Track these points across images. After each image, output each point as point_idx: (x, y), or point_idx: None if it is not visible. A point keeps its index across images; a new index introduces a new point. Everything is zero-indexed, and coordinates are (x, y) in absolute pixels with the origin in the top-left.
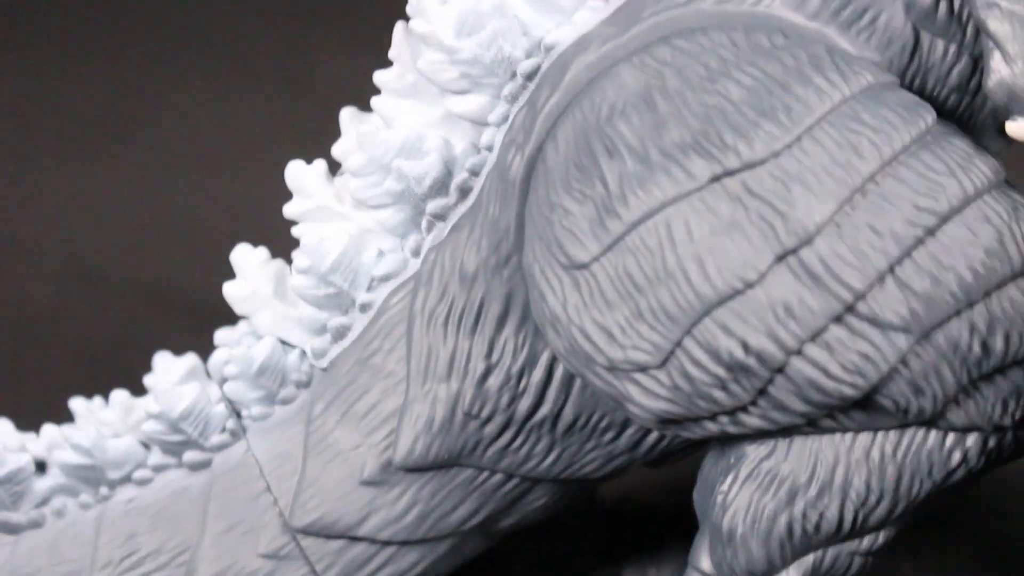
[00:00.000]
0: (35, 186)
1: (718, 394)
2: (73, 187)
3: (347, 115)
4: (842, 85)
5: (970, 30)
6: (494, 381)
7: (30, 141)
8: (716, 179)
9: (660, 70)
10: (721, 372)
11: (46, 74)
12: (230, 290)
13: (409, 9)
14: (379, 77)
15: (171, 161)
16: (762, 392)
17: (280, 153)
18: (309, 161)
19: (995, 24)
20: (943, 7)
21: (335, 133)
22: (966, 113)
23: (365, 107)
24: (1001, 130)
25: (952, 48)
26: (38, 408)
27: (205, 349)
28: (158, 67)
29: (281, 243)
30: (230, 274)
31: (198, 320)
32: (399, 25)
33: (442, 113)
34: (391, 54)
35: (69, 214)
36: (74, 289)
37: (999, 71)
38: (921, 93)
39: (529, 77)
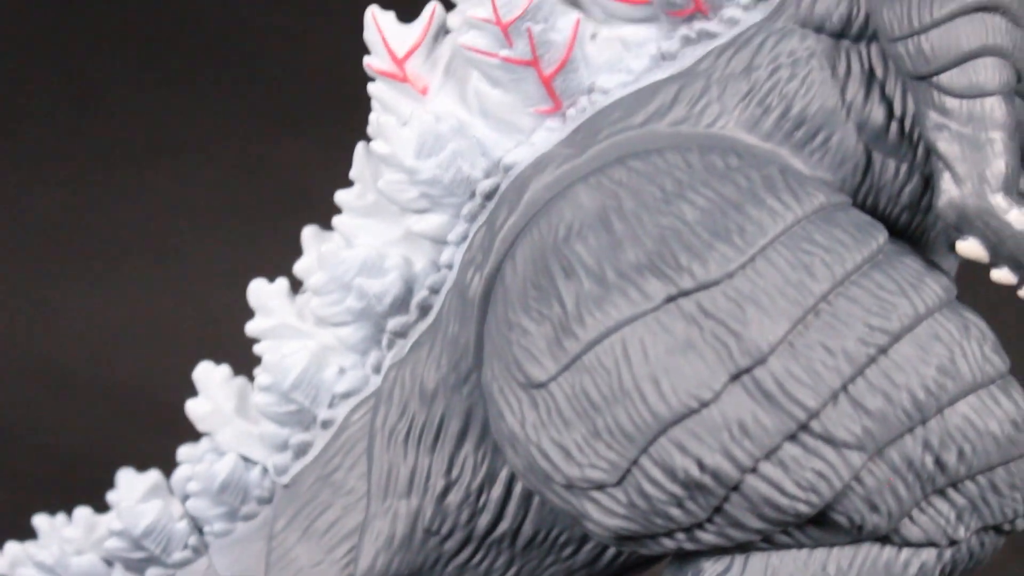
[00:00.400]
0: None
1: (674, 511)
2: (37, 291)
3: (309, 233)
4: (795, 206)
5: (921, 150)
6: (454, 497)
7: None
8: (671, 299)
9: (616, 191)
10: (677, 490)
11: (2, 180)
12: (192, 408)
13: (370, 130)
14: (340, 196)
15: (136, 262)
16: (718, 509)
17: (246, 252)
18: (273, 274)
19: (945, 145)
20: (894, 128)
21: (299, 229)
22: (918, 230)
23: (330, 202)
24: (953, 247)
25: (903, 167)
26: (2, 521)
27: (172, 456)
28: (121, 168)
29: (247, 344)
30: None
31: (165, 425)
32: (360, 146)
33: (402, 232)
34: (352, 174)
35: (32, 318)
36: (39, 395)
37: (949, 191)
38: (874, 211)
39: (488, 196)
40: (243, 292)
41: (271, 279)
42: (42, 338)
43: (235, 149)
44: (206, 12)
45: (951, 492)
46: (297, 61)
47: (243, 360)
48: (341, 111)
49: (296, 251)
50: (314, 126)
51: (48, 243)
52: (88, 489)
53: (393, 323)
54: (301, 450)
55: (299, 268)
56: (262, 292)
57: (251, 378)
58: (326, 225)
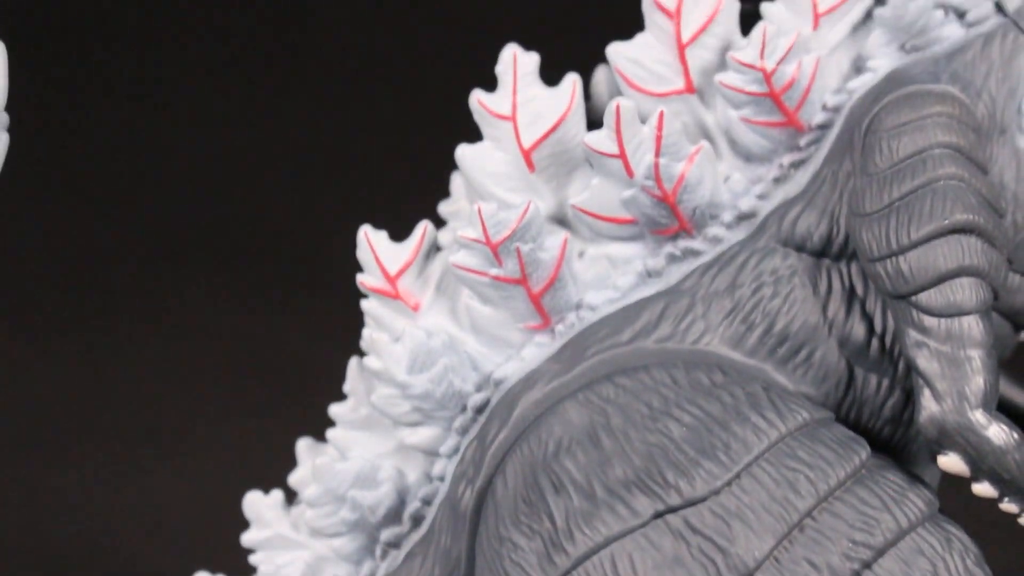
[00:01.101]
0: None
1: None
2: (33, 472)
3: (303, 446)
4: (778, 423)
5: (902, 365)
6: None
7: None
8: (659, 516)
9: (604, 408)
10: None
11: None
12: None
13: (363, 345)
14: (334, 410)
15: (135, 449)
16: None
17: (245, 442)
18: (273, 455)
19: (924, 363)
20: (875, 344)
21: (298, 418)
22: (900, 443)
23: (331, 391)
24: (935, 459)
25: (885, 382)
26: None
27: None
28: (120, 351)
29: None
30: (195, 565)
31: None
32: (352, 361)
33: (395, 444)
34: (345, 388)
35: (32, 503)
36: None
37: (929, 408)
38: (856, 424)
39: (479, 411)
40: (242, 475)
41: (271, 483)
42: (38, 520)
43: (233, 330)
44: (201, 189)
45: None
46: (297, 237)
47: (241, 561)
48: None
49: (293, 437)
50: (310, 302)
51: (46, 424)
52: None
53: (387, 534)
54: None
55: (294, 480)
56: (257, 504)
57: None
58: (323, 394)
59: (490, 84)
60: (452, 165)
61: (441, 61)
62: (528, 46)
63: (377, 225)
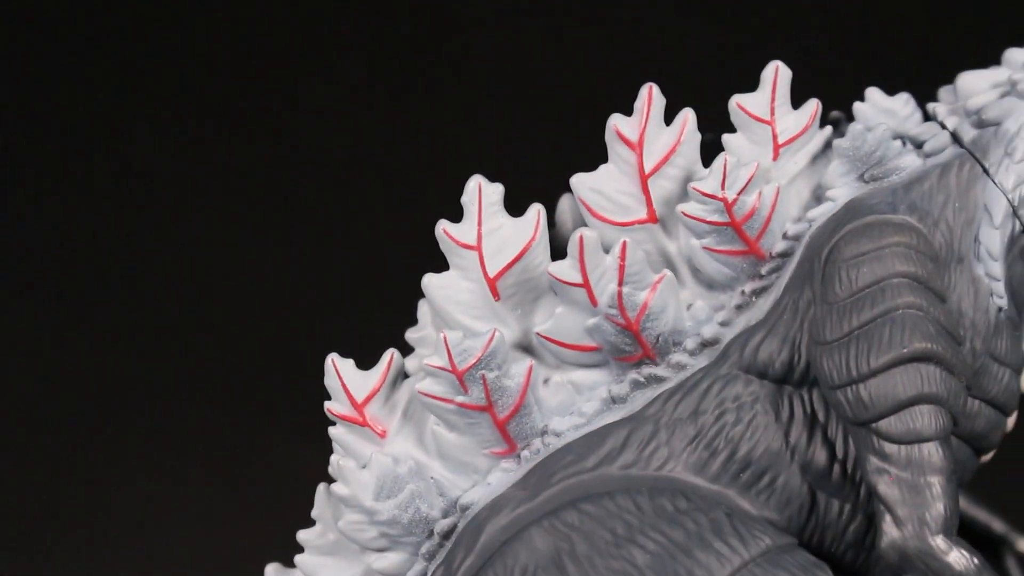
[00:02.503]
0: None
1: None
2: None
3: (271, 571)
4: (741, 550)
5: (863, 490)
6: None
7: None
8: None
9: (569, 534)
10: None
11: None
12: None
13: (331, 470)
14: (302, 535)
15: (113, 554)
16: None
17: (218, 546)
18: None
19: (885, 488)
20: (837, 469)
21: (276, 519)
22: (863, 567)
23: (305, 493)
24: None
25: (847, 507)
26: None
27: None
28: (99, 457)
29: None
30: None
31: None
32: (320, 487)
33: (363, 569)
34: (313, 514)
35: None
36: None
37: (890, 533)
38: (819, 549)
39: (445, 536)
40: None
41: None
42: None
43: (216, 441)
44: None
45: None
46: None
47: None
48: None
49: (273, 545)
50: (292, 415)
51: (35, 535)
52: None
53: None
54: None
55: None
56: None
57: None
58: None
59: (458, 214)
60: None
61: (411, 193)
62: (493, 177)
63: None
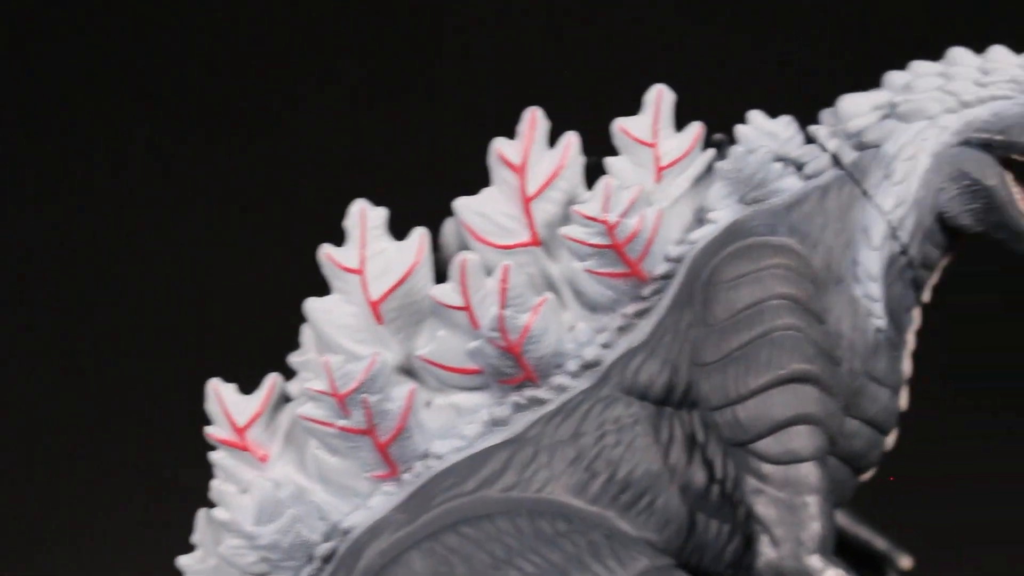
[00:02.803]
0: None
1: None
2: None
3: None
4: (619, 571)
5: (741, 511)
6: None
7: None
8: None
9: (448, 557)
10: None
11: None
12: None
13: (211, 495)
14: (183, 561)
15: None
16: None
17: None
18: None
19: (762, 508)
20: (715, 490)
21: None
22: None
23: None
24: None
25: (726, 527)
26: None
27: None
28: (99, 459)
29: None
30: None
31: None
32: (200, 512)
33: None
34: (193, 539)
35: None
36: None
37: (767, 553)
38: (698, 570)
39: (326, 560)
40: None
41: None
42: None
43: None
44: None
45: None
46: None
47: None
48: None
49: None
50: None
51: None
52: None
53: None
54: None
55: None
56: None
57: None
58: None
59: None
60: None
61: (301, 213)
62: (377, 200)
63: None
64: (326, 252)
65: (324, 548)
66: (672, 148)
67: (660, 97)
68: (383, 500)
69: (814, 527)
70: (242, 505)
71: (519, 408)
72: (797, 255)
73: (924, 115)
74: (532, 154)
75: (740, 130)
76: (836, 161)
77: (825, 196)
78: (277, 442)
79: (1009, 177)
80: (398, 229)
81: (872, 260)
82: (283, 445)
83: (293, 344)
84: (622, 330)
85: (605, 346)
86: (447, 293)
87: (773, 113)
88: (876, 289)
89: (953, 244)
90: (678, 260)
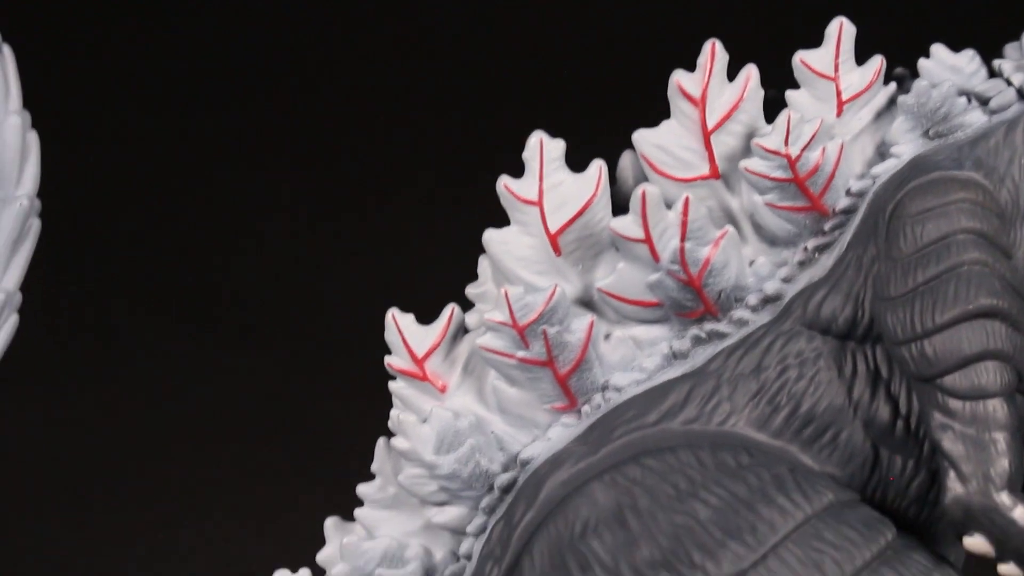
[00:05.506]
0: (25, 542)
1: None
2: (48, 542)
3: (331, 524)
4: (804, 505)
5: (927, 446)
6: None
7: (21, 492)
8: None
9: (631, 489)
10: None
11: (26, 416)
12: None
13: (391, 425)
14: (362, 489)
15: (161, 522)
16: None
17: (275, 501)
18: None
19: (949, 444)
20: (900, 425)
21: (330, 479)
22: (926, 523)
23: (360, 446)
24: (960, 540)
25: (910, 463)
26: None
27: None
28: (151, 413)
29: None
30: None
31: None
32: (380, 441)
33: (422, 523)
34: (373, 468)
35: (63, 566)
36: None
37: (954, 490)
38: (882, 505)
39: (506, 490)
40: (269, 551)
41: (299, 557)
42: None
43: (262, 398)
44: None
45: None
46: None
47: None
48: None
49: (321, 513)
50: (342, 371)
51: (55, 489)
52: None
53: None
54: None
55: (322, 558)
56: None
57: None
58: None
59: (517, 171)
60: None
61: (470, 142)
62: (554, 132)
63: (406, 296)
64: (504, 183)
65: (503, 479)
66: (853, 81)
67: (841, 30)
68: (562, 432)
69: (1003, 464)
70: (422, 435)
71: (699, 341)
72: (983, 189)
73: None
74: (712, 86)
75: (922, 64)
76: (1022, 95)
77: (1011, 131)
78: (456, 373)
79: None
80: (575, 162)
81: None
82: (462, 376)
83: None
84: (803, 264)
85: (786, 280)
86: (627, 225)
87: (955, 47)
88: None
89: None
90: (860, 195)
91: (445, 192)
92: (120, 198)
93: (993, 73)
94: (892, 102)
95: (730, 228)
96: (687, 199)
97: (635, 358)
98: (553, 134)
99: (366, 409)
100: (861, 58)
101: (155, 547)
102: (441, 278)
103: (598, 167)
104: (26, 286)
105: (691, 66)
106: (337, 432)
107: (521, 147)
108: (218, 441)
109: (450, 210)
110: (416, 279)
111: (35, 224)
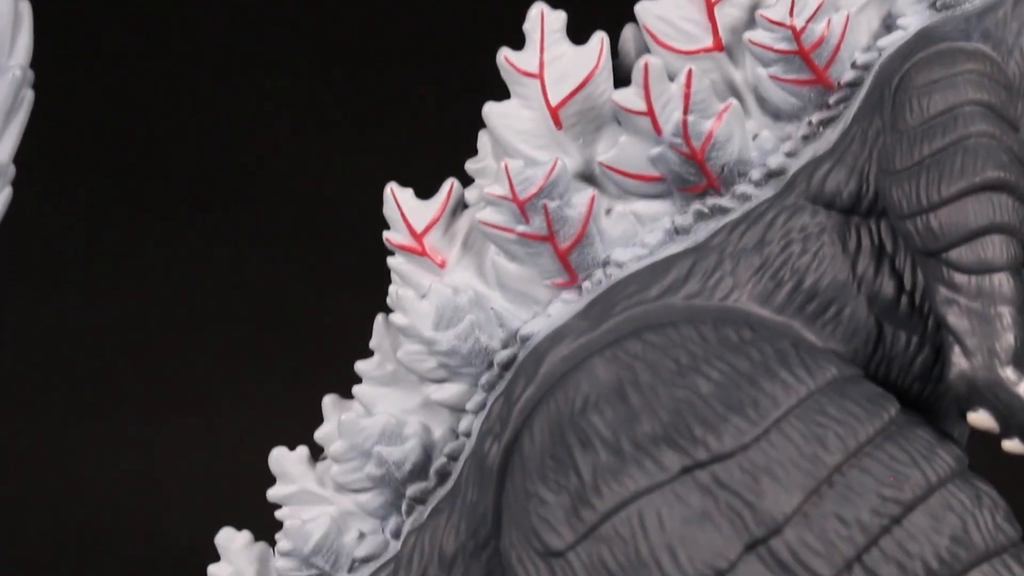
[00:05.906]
0: (17, 440)
1: None
2: (51, 441)
3: (329, 402)
4: (807, 379)
5: (931, 322)
6: None
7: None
8: (687, 471)
9: (632, 364)
10: None
11: (26, 318)
12: (215, 572)
13: (389, 301)
14: (360, 366)
15: (159, 409)
16: None
17: (271, 399)
18: (299, 430)
19: (954, 319)
20: (904, 301)
21: (323, 378)
22: (930, 399)
23: (357, 347)
24: (964, 416)
25: (914, 339)
26: None
27: None
28: (149, 311)
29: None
30: (221, 521)
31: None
32: (379, 317)
33: (421, 400)
34: (372, 344)
35: (47, 470)
36: (63, 548)
37: (959, 364)
38: (885, 381)
39: (505, 367)
40: (267, 431)
41: (296, 439)
42: (56, 486)
43: (254, 287)
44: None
45: None
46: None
47: (266, 516)
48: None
49: (318, 393)
50: (334, 258)
51: (57, 385)
52: None
53: (412, 489)
54: None
55: (320, 435)
56: (283, 459)
57: (272, 543)
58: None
59: (515, 44)
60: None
61: (467, 23)
62: (555, 4)
63: (402, 181)
64: (504, 55)
65: (503, 355)
66: None
67: None
68: (562, 308)
69: (1008, 338)
70: (420, 310)
71: (702, 216)
72: (991, 61)
73: None
74: None
75: None
76: None
77: (1020, 2)
78: (455, 248)
79: None
80: (576, 35)
81: None
82: (461, 251)
83: None
84: (807, 139)
85: (789, 155)
86: (629, 97)
87: None
88: None
89: None
90: (865, 68)
91: (444, 68)
92: (121, 89)
93: None
94: None
95: (733, 101)
96: (690, 71)
97: (636, 233)
98: (554, 5)
99: (368, 298)
100: None
101: (153, 436)
102: (440, 153)
103: (600, 39)
104: (19, 159)
105: None
106: (336, 321)
107: (522, 20)
108: (218, 326)
109: (448, 87)
110: (415, 155)
111: (28, 95)
